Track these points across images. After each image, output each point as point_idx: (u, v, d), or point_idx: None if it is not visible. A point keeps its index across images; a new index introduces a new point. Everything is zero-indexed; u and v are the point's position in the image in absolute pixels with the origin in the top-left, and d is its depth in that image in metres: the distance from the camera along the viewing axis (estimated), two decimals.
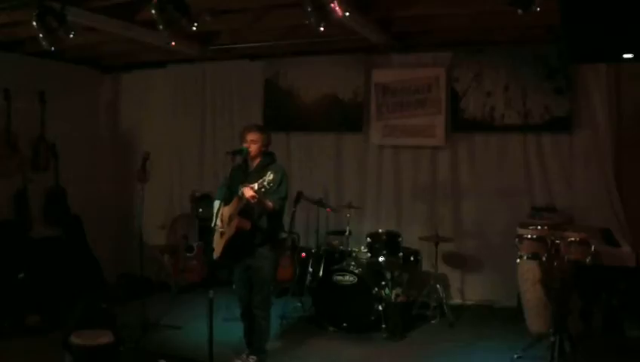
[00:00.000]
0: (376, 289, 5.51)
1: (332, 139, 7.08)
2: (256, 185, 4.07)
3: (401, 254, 5.90)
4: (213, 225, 4.40)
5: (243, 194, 4.18)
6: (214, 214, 4.42)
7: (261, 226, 4.42)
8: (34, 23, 4.31)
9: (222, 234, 4.44)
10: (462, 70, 6.45)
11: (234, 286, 4.71)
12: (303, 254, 6.51)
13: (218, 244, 4.44)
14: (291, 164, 6.99)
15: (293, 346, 5.21)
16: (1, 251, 6.08)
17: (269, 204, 4.30)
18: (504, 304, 6.19)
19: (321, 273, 6.01)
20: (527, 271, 5.01)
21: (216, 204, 4.53)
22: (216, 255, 4.45)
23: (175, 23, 4.17)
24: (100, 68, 7.94)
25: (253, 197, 4.11)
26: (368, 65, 6.85)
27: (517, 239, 4.93)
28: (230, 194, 4.42)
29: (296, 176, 6.83)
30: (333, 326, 5.55)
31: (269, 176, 4.01)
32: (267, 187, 4.06)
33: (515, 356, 4.67)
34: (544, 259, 4.69)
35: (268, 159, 4.56)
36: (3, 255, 6.05)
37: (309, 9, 4.05)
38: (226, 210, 4.42)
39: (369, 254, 5.96)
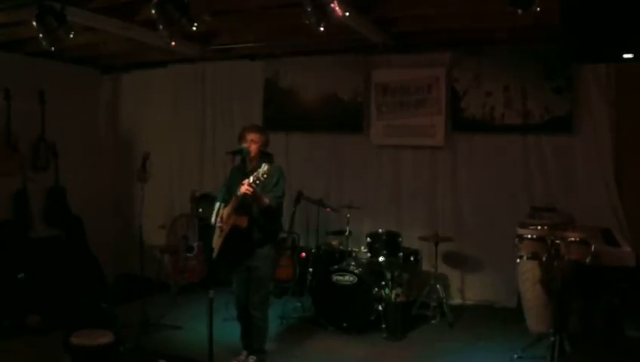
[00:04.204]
0: (376, 289, 5.51)
1: (332, 139, 7.08)
2: (251, 178, 4.08)
3: (401, 254, 5.91)
4: (212, 221, 4.42)
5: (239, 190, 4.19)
6: (214, 213, 4.43)
7: (259, 224, 4.41)
8: (34, 23, 4.31)
9: (220, 233, 4.45)
10: (462, 70, 6.45)
11: (233, 287, 4.70)
12: (303, 254, 6.51)
13: (216, 244, 4.45)
14: (291, 164, 6.98)
15: (293, 346, 5.20)
16: (1, 251, 6.09)
17: (265, 200, 4.30)
18: (504, 304, 6.20)
19: (321, 273, 6.01)
20: (527, 271, 5.01)
21: (217, 205, 4.55)
22: (215, 254, 4.45)
23: (175, 22, 4.17)
24: (100, 68, 7.95)
25: (248, 190, 4.11)
26: (368, 65, 6.85)
27: (517, 239, 4.93)
28: (229, 195, 4.43)
29: (296, 176, 6.83)
30: (333, 326, 5.55)
31: (263, 168, 4.03)
32: (262, 179, 4.06)
33: (515, 356, 4.67)
34: (544, 259, 4.68)
35: (266, 159, 4.56)
36: (3, 255, 6.06)
37: (309, 9, 4.05)
38: (226, 211, 4.42)
39: (369, 254, 5.96)
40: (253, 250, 4.45)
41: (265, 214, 4.40)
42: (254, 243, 4.45)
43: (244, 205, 4.32)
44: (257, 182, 4.09)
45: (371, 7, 5.20)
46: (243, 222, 4.34)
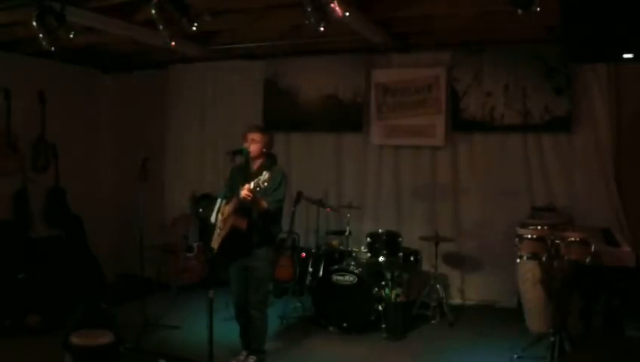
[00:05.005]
0: (376, 289, 5.51)
1: (332, 139, 7.08)
2: (252, 184, 4.08)
3: (401, 254, 5.90)
4: (212, 220, 4.43)
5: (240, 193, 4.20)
6: (215, 210, 4.45)
7: (257, 227, 4.41)
8: (34, 23, 4.30)
9: (219, 232, 4.46)
10: (462, 70, 6.45)
11: (231, 287, 4.70)
12: (303, 254, 6.51)
13: (216, 241, 4.46)
14: (291, 164, 6.99)
15: (293, 346, 5.20)
16: (1, 251, 6.09)
17: (264, 204, 4.30)
18: (504, 304, 6.20)
19: (321, 273, 6.01)
20: (527, 271, 5.02)
21: (218, 201, 4.56)
22: (214, 250, 4.46)
23: (175, 23, 4.17)
24: (100, 68, 7.95)
25: (247, 195, 4.11)
26: (368, 65, 6.85)
27: (517, 239, 4.94)
28: (232, 193, 4.43)
29: (296, 176, 6.82)
30: (333, 326, 5.55)
31: (265, 176, 4.02)
32: (262, 186, 4.06)
33: (515, 356, 4.67)
34: (544, 259, 4.69)
35: (269, 161, 4.56)
36: (3, 255, 6.06)
37: (309, 9, 4.04)
38: (227, 209, 4.43)
39: (369, 254, 5.96)
40: (251, 250, 4.45)
41: (263, 217, 4.40)
42: (252, 244, 4.45)
43: (244, 208, 4.32)
44: (258, 189, 4.08)
45: (371, 7, 5.20)
46: (242, 224, 4.35)
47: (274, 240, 4.70)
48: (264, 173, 4.05)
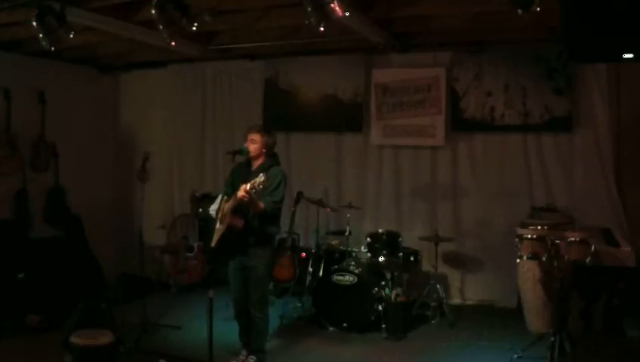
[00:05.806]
0: (376, 289, 5.52)
1: (332, 139, 7.07)
2: (248, 186, 4.09)
3: (401, 254, 5.90)
4: (212, 213, 4.47)
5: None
6: (216, 205, 4.47)
7: (253, 227, 4.42)
8: (34, 23, 4.30)
9: (218, 228, 4.47)
10: (462, 70, 6.45)
11: (230, 286, 4.70)
12: (303, 254, 6.50)
13: (215, 238, 4.47)
14: (291, 164, 6.98)
15: (293, 346, 5.21)
16: (1, 251, 6.08)
17: (260, 205, 4.29)
18: (504, 304, 6.20)
19: (321, 273, 6.01)
20: (527, 271, 5.02)
21: (219, 198, 4.57)
22: (213, 243, 4.48)
23: (175, 23, 4.17)
24: (99, 68, 7.94)
25: (243, 196, 4.12)
26: (368, 65, 6.85)
27: (517, 239, 4.94)
28: (232, 190, 4.43)
29: (296, 176, 6.83)
30: (333, 326, 5.55)
31: (260, 178, 4.02)
32: (257, 188, 4.06)
33: (515, 356, 4.67)
34: (544, 259, 4.69)
35: (270, 162, 4.56)
36: (3, 255, 6.05)
37: (309, 9, 4.05)
38: (226, 206, 4.44)
39: (369, 254, 5.96)
40: (248, 250, 4.46)
41: (260, 218, 4.40)
42: (248, 244, 4.45)
43: (241, 208, 4.33)
44: (253, 191, 4.09)
45: (371, 7, 5.20)
46: (239, 223, 4.36)
47: (271, 240, 4.69)
48: (260, 175, 4.05)
